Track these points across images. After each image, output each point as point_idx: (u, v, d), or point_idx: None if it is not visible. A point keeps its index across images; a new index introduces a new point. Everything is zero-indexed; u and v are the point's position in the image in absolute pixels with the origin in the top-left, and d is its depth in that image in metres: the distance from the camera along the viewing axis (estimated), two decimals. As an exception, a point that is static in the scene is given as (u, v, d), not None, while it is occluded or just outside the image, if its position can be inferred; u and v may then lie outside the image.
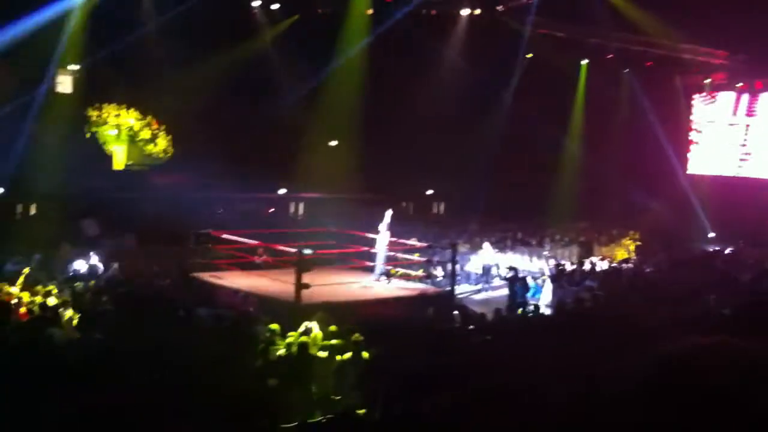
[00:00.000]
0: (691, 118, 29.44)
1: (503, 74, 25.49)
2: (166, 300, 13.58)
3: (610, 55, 27.60)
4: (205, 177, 22.61)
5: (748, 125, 27.94)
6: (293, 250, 15.16)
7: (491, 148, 26.03)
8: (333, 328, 11.18)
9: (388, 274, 16.93)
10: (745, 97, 27.95)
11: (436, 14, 25.16)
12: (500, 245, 22.62)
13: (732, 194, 27.11)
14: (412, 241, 18.76)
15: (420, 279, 18.08)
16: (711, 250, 24.79)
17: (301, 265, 14.34)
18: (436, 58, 26.07)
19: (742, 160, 28.04)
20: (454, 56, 25.97)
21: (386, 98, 25.38)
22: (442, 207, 27.30)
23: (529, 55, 26.49)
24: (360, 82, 25.14)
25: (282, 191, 26.69)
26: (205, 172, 22.40)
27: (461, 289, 18.80)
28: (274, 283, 15.35)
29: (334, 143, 28.27)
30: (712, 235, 27.03)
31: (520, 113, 26.01)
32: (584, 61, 28.72)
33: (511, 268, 18.44)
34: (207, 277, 16.43)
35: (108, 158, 25.06)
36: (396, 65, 25.35)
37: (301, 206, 27.45)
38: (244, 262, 17.60)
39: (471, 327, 12.20)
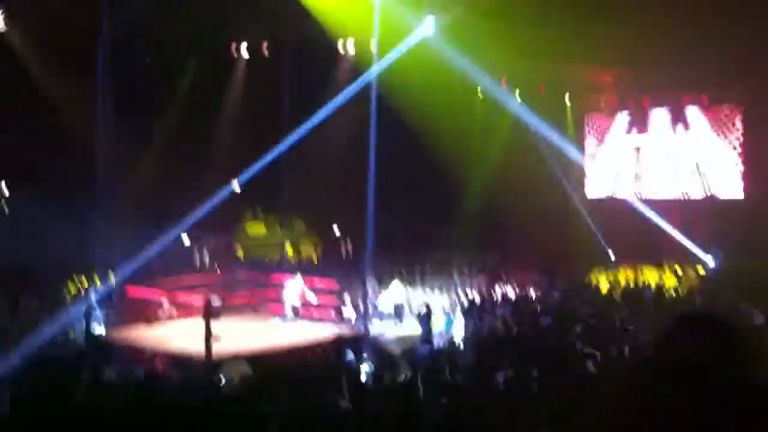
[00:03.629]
0: (586, 140, 30.26)
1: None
2: (71, 361, 12.91)
3: (503, 82, 28.11)
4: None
5: (638, 147, 28.99)
6: (200, 300, 14.75)
7: (394, 182, 26.15)
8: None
9: (299, 316, 16.70)
10: (634, 117, 28.91)
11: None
12: (410, 278, 22.64)
13: (630, 215, 28.01)
14: (324, 283, 18.58)
15: (333, 321, 17.88)
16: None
17: (210, 316, 13.93)
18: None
19: (636, 180, 28.96)
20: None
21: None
22: (350, 246, 27.15)
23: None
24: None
25: (185, 237, 26.00)
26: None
27: (375, 329, 18.67)
28: (184, 338, 14.85)
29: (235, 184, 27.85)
30: (613, 257, 27.78)
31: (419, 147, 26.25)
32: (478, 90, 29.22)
33: (423, 305, 18.49)
34: (112, 335, 15.76)
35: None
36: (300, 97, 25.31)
37: (206, 251, 26.80)
38: (153, 315, 17.01)
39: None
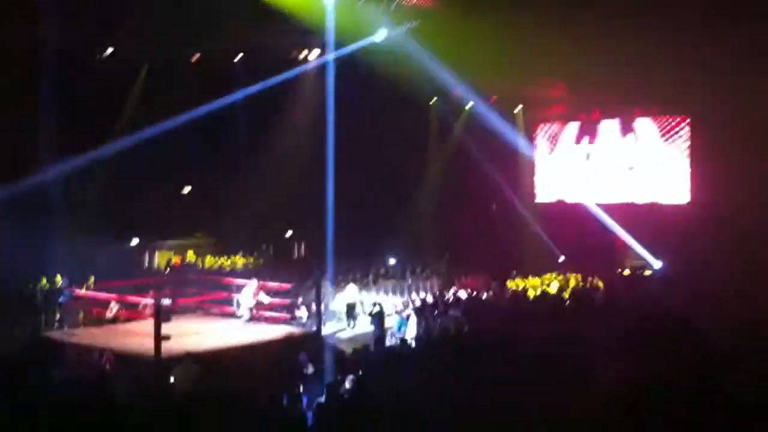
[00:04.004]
0: (536, 149, 30.75)
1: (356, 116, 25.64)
2: (17, 365, 12.62)
3: (456, 93, 28.37)
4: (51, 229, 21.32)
5: (588, 154, 29.55)
6: (150, 300, 14.56)
7: (350, 185, 26.18)
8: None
9: (251, 318, 16.60)
10: (585, 127, 29.57)
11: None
12: (363, 281, 22.70)
13: (578, 220, 28.51)
14: (276, 284, 18.50)
15: (285, 321, 17.80)
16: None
17: (160, 316, 13.75)
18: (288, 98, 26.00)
19: (584, 186, 29.54)
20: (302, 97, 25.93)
21: (240, 142, 25.17)
22: (303, 248, 27.14)
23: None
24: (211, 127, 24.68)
25: (135, 241, 25.69)
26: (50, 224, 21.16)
27: (327, 329, 18.64)
28: (133, 338, 14.65)
29: (187, 190, 27.58)
30: (562, 259, 28.20)
31: (375, 152, 26.35)
32: (432, 101, 29.50)
33: (375, 304, 18.58)
34: (60, 336, 15.48)
35: None
36: (254, 109, 25.10)
37: (156, 255, 26.52)
38: (99, 317, 16.75)
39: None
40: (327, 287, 20.53)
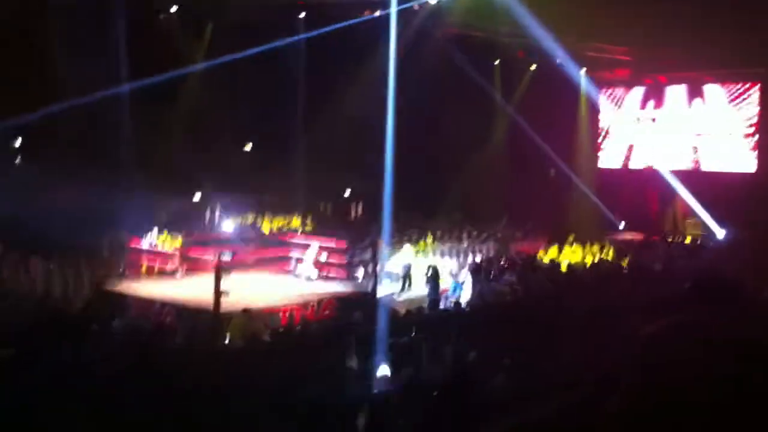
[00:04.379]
0: (600, 113, 30.18)
1: (419, 75, 25.43)
2: (80, 314, 13.09)
3: (520, 54, 27.95)
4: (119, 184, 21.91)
5: (654, 119, 28.88)
6: (210, 256, 14.86)
7: (410, 147, 26.12)
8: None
9: (311, 276, 16.83)
10: (650, 91, 28.88)
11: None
12: (419, 243, 22.70)
13: (641, 186, 28.00)
14: (333, 243, 18.68)
15: (342, 280, 17.98)
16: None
17: (219, 272, 14.04)
18: (349, 59, 25.92)
19: (649, 152, 28.95)
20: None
21: (305, 100, 25.27)
22: (360, 208, 27.23)
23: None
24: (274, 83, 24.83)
25: (197, 195, 26.15)
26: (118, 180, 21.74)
27: (382, 290, 18.79)
28: (192, 291, 14.99)
29: (248, 147, 27.87)
30: (622, 226, 27.79)
31: (436, 112, 26.20)
32: (497, 61, 29.06)
33: (430, 267, 18.65)
34: (122, 288, 15.94)
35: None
36: (315, 68, 25.13)
37: (218, 211, 26.94)
38: (160, 270, 17.17)
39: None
40: (383, 248, 20.65)
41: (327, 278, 17.61)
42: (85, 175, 23.08)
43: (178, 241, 19.24)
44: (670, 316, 1.39)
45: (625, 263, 19.61)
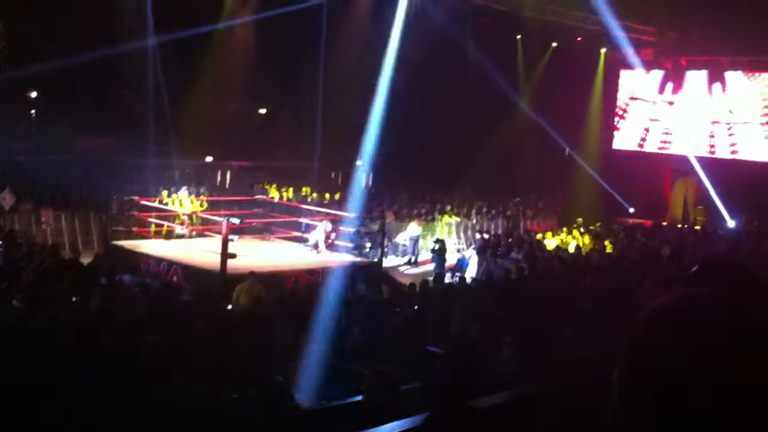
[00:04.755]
0: (618, 94, 29.93)
1: (441, 46, 25.20)
2: (88, 267, 13.18)
3: (540, 30, 27.58)
4: (134, 141, 22.03)
5: (672, 102, 28.63)
6: (219, 218, 14.92)
7: (423, 120, 26.04)
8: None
9: (317, 245, 16.87)
10: (671, 75, 28.58)
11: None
12: (428, 217, 22.73)
13: (655, 170, 27.86)
14: (342, 212, 18.70)
15: (349, 249, 18.02)
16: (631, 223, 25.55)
17: (228, 235, 14.12)
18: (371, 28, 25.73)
19: (665, 135, 28.74)
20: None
21: (318, 66, 25.17)
22: (370, 178, 27.21)
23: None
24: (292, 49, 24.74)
25: (209, 158, 26.25)
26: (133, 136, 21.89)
27: (389, 261, 18.85)
28: (200, 253, 15.08)
29: (263, 110, 27.93)
30: (632, 210, 27.71)
31: (454, 86, 26.08)
32: (518, 36, 28.75)
33: (437, 241, 18.67)
34: (130, 245, 16.05)
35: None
36: (333, 33, 25.01)
37: (228, 174, 27.06)
38: (169, 230, 17.26)
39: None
40: (391, 220, 20.69)
41: (334, 247, 17.62)
42: (102, 131, 23.32)
43: (192, 202, 19.37)
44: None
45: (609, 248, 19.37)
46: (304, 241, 17.36)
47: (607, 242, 20.63)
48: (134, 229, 16.85)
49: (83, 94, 23.73)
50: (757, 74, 26.14)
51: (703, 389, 1.10)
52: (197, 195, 20.51)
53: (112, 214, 17.47)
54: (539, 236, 21.08)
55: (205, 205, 19.53)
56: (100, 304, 10.24)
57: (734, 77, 26.80)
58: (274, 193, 21.84)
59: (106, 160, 21.72)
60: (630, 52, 27.94)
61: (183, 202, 19.24)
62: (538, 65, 29.11)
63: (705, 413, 1.10)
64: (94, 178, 20.96)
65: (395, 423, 4.02)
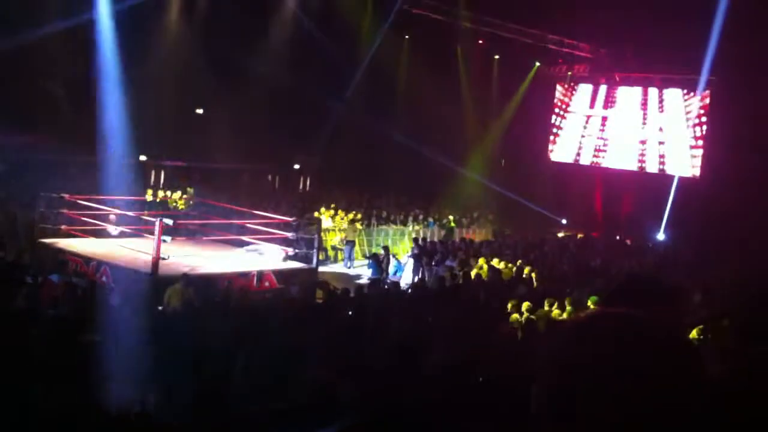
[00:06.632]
0: (554, 108, 30.47)
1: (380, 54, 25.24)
2: (13, 266, 12.77)
3: (481, 42, 27.87)
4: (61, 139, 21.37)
5: (605, 117, 29.31)
6: (153, 219, 14.60)
7: (362, 124, 26.02)
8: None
9: (252, 249, 16.70)
10: (604, 90, 29.26)
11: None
12: (364, 222, 22.74)
13: (588, 183, 28.44)
14: (277, 216, 18.53)
15: (284, 254, 17.83)
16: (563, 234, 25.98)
17: (160, 236, 13.82)
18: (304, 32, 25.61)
19: (598, 150, 29.40)
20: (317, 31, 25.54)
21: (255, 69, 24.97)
22: (308, 181, 27.15)
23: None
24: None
25: (143, 158, 25.72)
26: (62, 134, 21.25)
27: (324, 266, 18.75)
28: (131, 253, 14.73)
29: (200, 111, 27.50)
30: (564, 221, 28.19)
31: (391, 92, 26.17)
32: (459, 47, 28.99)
33: (383, 247, 18.76)
34: (58, 243, 15.59)
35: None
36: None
37: (163, 174, 26.59)
38: (99, 229, 16.82)
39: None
40: (327, 224, 20.61)
41: (268, 251, 17.42)
42: (34, 128, 22.56)
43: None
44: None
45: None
46: (241, 244, 17.12)
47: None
48: (62, 227, 16.33)
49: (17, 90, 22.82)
50: (691, 93, 26.88)
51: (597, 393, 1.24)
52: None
53: (40, 211, 16.89)
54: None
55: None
56: (26, 303, 9.96)
57: (664, 94, 27.57)
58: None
59: (31, 157, 21.04)
60: (564, 68, 28.63)
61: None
62: (475, 77, 29.35)
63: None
64: (18, 175, 20.34)
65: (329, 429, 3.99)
